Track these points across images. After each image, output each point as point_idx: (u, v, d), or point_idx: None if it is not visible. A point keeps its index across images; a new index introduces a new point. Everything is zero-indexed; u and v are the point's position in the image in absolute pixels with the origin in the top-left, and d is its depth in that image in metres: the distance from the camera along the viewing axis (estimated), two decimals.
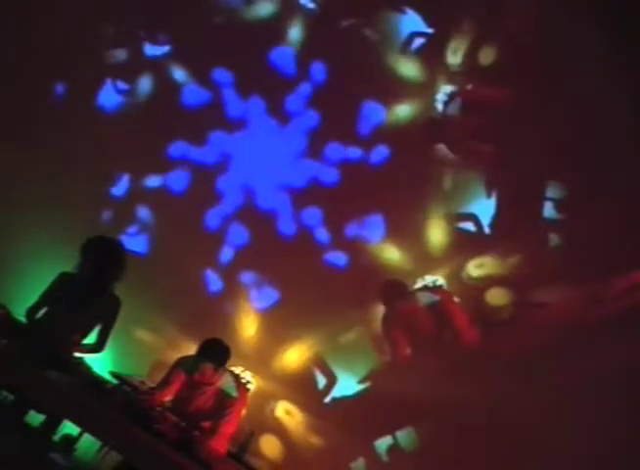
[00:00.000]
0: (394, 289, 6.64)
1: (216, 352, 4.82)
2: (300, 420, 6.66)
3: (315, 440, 6.60)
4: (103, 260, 4.68)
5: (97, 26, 7.02)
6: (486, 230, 6.79)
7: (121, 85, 7.19)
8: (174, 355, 5.36)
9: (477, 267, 6.69)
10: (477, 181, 6.85)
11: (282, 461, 6.53)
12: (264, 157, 7.03)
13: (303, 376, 6.76)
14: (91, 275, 4.67)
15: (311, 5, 7.15)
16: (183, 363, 4.95)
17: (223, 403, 4.84)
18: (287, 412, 6.67)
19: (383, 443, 6.49)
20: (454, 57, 6.96)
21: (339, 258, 6.87)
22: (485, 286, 6.65)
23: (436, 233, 6.83)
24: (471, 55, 6.93)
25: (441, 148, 6.94)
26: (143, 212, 7.06)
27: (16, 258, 6.45)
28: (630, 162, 6.25)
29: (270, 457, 6.48)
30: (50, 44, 6.75)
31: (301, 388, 6.73)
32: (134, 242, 6.74)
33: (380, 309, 6.71)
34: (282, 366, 6.75)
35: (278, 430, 6.62)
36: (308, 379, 6.76)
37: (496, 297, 6.61)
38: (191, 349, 5.04)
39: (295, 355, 6.77)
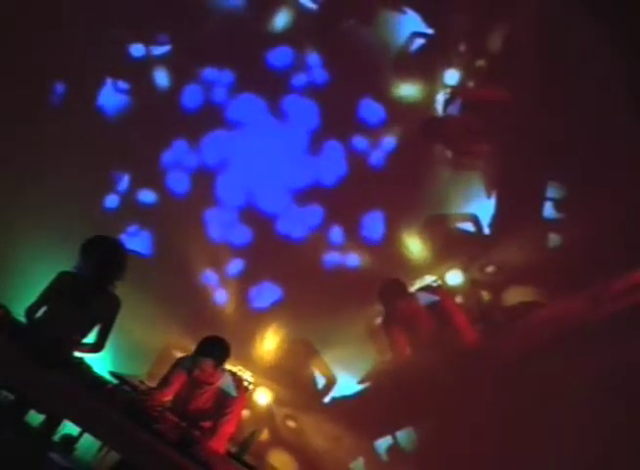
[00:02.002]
0: (392, 289, 6.64)
1: (216, 348, 4.80)
2: (300, 420, 6.65)
3: (315, 439, 6.60)
4: (103, 260, 4.67)
5: (97, 26, 7.01)
6: (486, 230, 6.79)
7: (121, 85, 7.19)
8: (174, 355, 5.36)
9: (476, 267, 6.69)
10: (477, 181, 6.85)
11: (282, 461, 6.53)
12: (264, 157, 7.03)
13: (303, 376, 6.76)
14: (91, 275, 4.66)
15: (311, 4, 7.15)
16: (183, 363, 4.94)
17: (223, 403, 4.83)
18: (286, 412, 6.67)
19: (383, 443, 6.49)
20: (454, 57, 6.96)
21: (339, 257, 6.87)
22: (485, 286, 6.65)
23: (437, 233, 6.83)
24: (471, 55, 6.93)
25: (442, 148, 6.95)
26: (143, 212, 7.06)
27: (16, 257, 6.44)
28: (630, 162, 6.25)
29: (270, 457, 6.48)
30: (50, 44, 6.75)
31: (301, 387, 6.73)
32: (134, 241, 6.73)
33: (380, 309, 6.72)
34: (282, 366, 6.75)
35: (277, 430, 6.62)
36: (308, 379, 6.77)
37: (496, 297, 6.61)
38: (191, 348, 5.03)
39: (295, 355, 6.77)
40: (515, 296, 6.56)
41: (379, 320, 6.72)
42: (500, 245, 6.66)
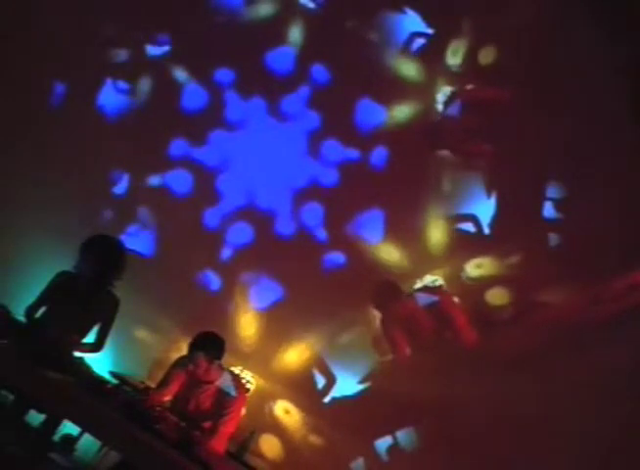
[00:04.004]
0: (386, 292, 6.65)
1: (208, 341, 4.83)
2: (300, 420, 6.66)
3: (315, 440, 6.60)
4: (103, 260, 4.68)
5: (97, 26, 7.02)
6: (486, 230, 6.79)
7: (122, 85, 7.19)
8: (174, 355, 5.37)
9: (476, 267, 6.69)
10: (477, 181, 6.85)
11: (282, 461, 6.53)
12: (264, 157, 7.03)
13: (303, 376, 6.76)
14: (91, 274, 4.66)
15: (311, 5, 7.15)
16: (181, 363, 4.96)
17: (222, 403, 4.84)
18: (286, 412, 6.67)
19: (383, 443, 6.49)
20: (454, 57, 6.96)
21: (339, 257, 6.87)
22: (485, 286, 6.65)
23: (436, 233, 6.83)
24: (471, 55, 6.92)
25: (442, 150, 6.95)
26: (143, 212, 7.05)
27: (16, 257, 6.45)
28: (630, 161, 6.25)
29: (270, 457, 6.48)
30: (50, 44, 6.75)
31: (301, 388, 6.73)
32: (134, 241, 6.73)
33: (378, 311, 6.72)
34: (282, 366, 6.75)
35: (278, 430, 6.62)
36: (308, 379, 6.77)
37: (496, 297, 6.61)
38: None
39: (295, 355, 6.77)
40: (514, 296, 6.56)
41: (378, 320, 6.71)
42: (500, 245, 6.66)
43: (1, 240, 6.47)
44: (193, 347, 4.81)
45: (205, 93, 7.14)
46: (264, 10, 7.19)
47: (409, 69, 7.03)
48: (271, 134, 7.06)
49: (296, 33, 7.13)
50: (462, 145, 6.89)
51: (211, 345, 4.83)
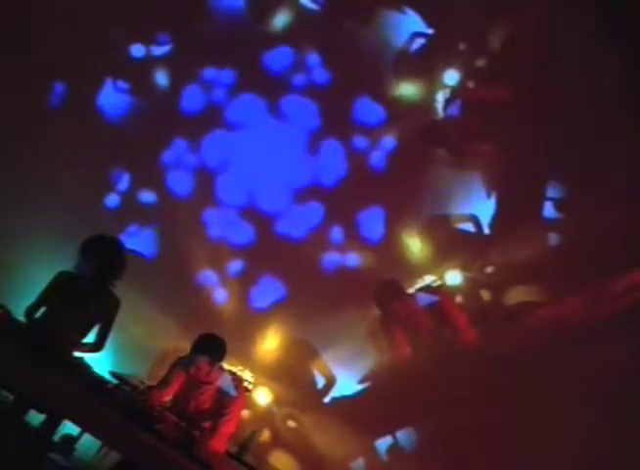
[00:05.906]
0: (388, 291, 6.65)
1: (211, 345, 4.82)
2: (300, 420, 6.66)
3: (315, 440, 6.60)
4: (103, 260, 4.67)
5: (97, 26, 7.01)
6: (486, 230, 6.79)
7: (121, 85, 7.18)
8: (174, 355, 5.36)
9: (476, 267, 6.70)
10: (477, 181, 6.85)
11: (281, 461, 6.53)
12: (264, 157, 7.03)
13: (303, 376, 6.76)
14: (91, 274, 4.66)
15: (311, 4, 7.15)
16: (181, 363, 4.95)
17: (222, 403, 4.84)
18: (286, 412, 6.67)
19: (383, 443, 6.49)
20: (455, 57, 6.96)
21: (339, 257, 6.87)
22: (485, 286, 6.65)
23: (437, 233, 6.84)
24: (471, 55, 6.93)
25: (442, 149, 6.95)
26: (143, 212, 7.05)
27: (16, 257, 6.44)
28: (630, 162, 6.26)
29: (269, 458, 6.48)
30: (50, 44, 6.75)
31: (301, 387, 6.74)
32: (134, 241, 6.73)
33: (379, 310, 6.72)
34: (282, 366, 6.76)
35: (277, 430, 6.62)
36: (308, 379, 6.77)
37: (495, 297, 6.62)
38: None
39: (294, 355, 6.77)
40: (515, 296, 6.57)
41: (379, 320, 6.71)
42: (500, 245, 6.67)
43: (1, 240, 6.46)
44: (195, 350, 4.80)
45: (205, 93, 7.14)
46: (264, 10, 7.19)
47: (410, 68, 7.03)
48: (271, 134, 7.06)
49: (296, 33, 7.13)
50: (462, 145, 6.90)
51: (214, 348, 4.82)
